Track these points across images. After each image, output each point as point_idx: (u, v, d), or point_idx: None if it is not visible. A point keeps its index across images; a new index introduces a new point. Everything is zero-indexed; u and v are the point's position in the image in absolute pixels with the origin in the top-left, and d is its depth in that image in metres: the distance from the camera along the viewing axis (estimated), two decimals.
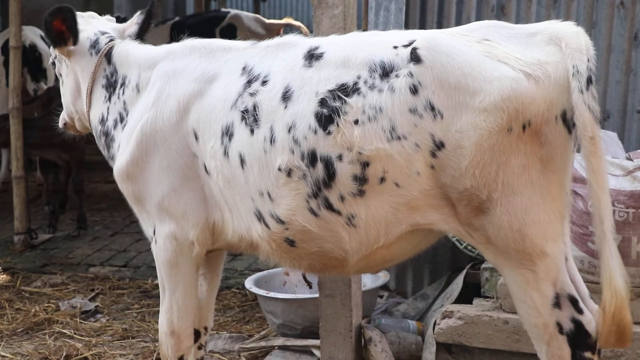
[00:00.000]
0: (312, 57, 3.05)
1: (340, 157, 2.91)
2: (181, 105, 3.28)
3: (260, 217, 3.12)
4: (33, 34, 8.67)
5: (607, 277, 2.72)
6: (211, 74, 3.27)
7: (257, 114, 3.06)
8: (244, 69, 3.19)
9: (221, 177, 3.17)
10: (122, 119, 3.54)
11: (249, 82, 3.13)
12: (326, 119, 2.92)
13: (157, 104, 3.34)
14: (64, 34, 3.68)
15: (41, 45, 8.92)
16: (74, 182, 7.67)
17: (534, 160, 2.77)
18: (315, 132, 2.94)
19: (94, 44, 3.70)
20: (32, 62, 8.62)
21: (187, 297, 3.46)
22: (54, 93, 8.82)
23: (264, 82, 3.09)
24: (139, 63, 3.55)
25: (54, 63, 3.96)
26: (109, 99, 3.62)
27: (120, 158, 3.43)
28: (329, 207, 2.97)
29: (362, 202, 2.93)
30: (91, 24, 3.80)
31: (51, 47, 3.90)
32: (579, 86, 2.69)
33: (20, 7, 6.74)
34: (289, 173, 3.00)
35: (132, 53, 3.63)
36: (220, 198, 3.23)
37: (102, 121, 3.62)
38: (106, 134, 3.61)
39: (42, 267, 6.68)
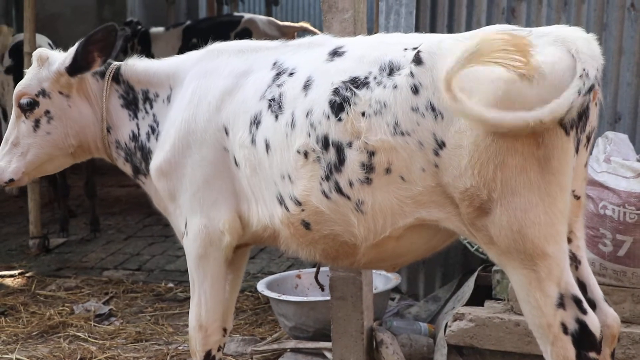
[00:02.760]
0: (336, 53, 3.24)
1: (350, 144, 3.06)
2: (213, 102, 3.43)
3: (281, 201, 3.27)
4: (40, 40, 8.76)
5: None
6: (242, 70, 3.44)
7: (281, 102, 3.25)
8: (274, 64, 3.37)
9: (249, 165, 3.33)
10: (154, 131, 3.66)
11: (278, 75, 3.32)
12: (338, 106, 3.09)
13: (190, 105, 3.48)
14: (92, 57, 3.66)
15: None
16: (86, 187, 7.73)
17: (531, 161, 2.80)
18: (328, 117, 3.11)
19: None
20: None
21: (215, 290, 3.55)
22: None
23: (291, 74, 3.29)
24: (167, 75, 3.66)
25: (31, 102, 3.67)
26: (135, 115, 3.71)
27: (157, 157, 3.56)
28: (339, 190, 3.11)
29: (370, 190, 3.05)
30: (62, 52, 3.81)
31: (41, 82, 3.69)
32: (580, 88, 2.71)
33: (35, 14, 6.80)
34: (306, 155, 3.16)
35: (152, 68, 3.72)
36: (248, 189, 3.38)
37: (135, 138, 3.71)
38: (142, 148, 3.70)
39: (56, 271, 6.74)
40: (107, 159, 3.90)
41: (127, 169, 3.81)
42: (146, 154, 3.68)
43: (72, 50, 3.69)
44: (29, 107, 3.69)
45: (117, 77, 3.74)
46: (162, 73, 3.69)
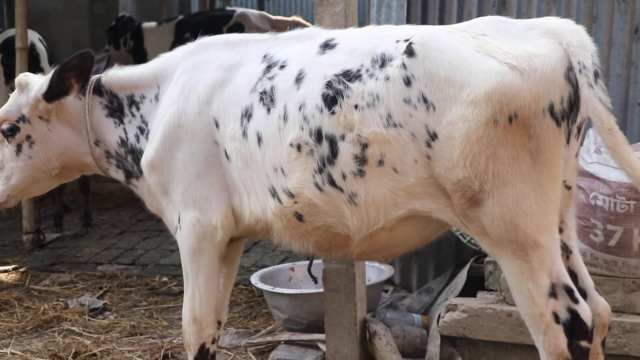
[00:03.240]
0: (327, 46, 3.24)
1: (343, 137, 3.07)
2: (203, 94, 3.44)
3: (274, 193, 3.28)
4: (32, 36, 8.77)
5: None
6: (232, 62, 3.44)
7: (273, 95, 3.25)
8: (264, 56, 3.38)
9: (240, 158, 3.33)
10: (143, 131, 3.68)
11: (269, 68, 3.32)
12: (331, 99, 3.10)
13: (180, 98, 3.48)
14: (69, 83, 3.69)
15: (39, 45, 9.00)
16: (80, 182, 7.73)
17: (523, 152, 2.83)
18: (322, 111, 3.12)
19: None
20: (31, 61, 8.71)
21: (209, 284, 3.56)
22: None
23: (282, 67, 3.29)
24: (154, 75, 3.67)
25: (11, 127, 3.72)
26: (121, 121, 3.73)
27: (148, 151, 3.57)
28: (332, 183, 3.13)
29: (362, 182, 3.07)
30: (41, 77, 3.84)
31: (20, 108, 3.73)
32: (588, 81, 2.78)
33: (26, 9, 6.80)
34: (299, 148, 3.17)
35: (136, 73, 3.74)
36: (239, 182, 3.39)
37: (123, 143, 3.73)
38: (132, 151, 3.71)
39: (50, 266, 6.74)
40: (99, 173, 3.92)
41: (120, 175, 3.82)
42: (137, 156, 3.69)
43: (48, 76, 3.71)
44: (10, 133, 3.75)
45: (98, 89, 3.76)
46: (148, 74, 3.70)
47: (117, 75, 3.78)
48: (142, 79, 3.71)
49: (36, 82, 3.76)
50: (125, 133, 3.72)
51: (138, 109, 3.70)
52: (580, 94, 2.81)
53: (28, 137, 3.76)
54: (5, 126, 3.75)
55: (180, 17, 10.07)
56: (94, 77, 3.78)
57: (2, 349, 4.96)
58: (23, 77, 3.82)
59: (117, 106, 3.74)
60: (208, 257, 3.53)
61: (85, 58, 3.69)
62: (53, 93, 3.70)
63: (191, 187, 3.46)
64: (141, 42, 9.60)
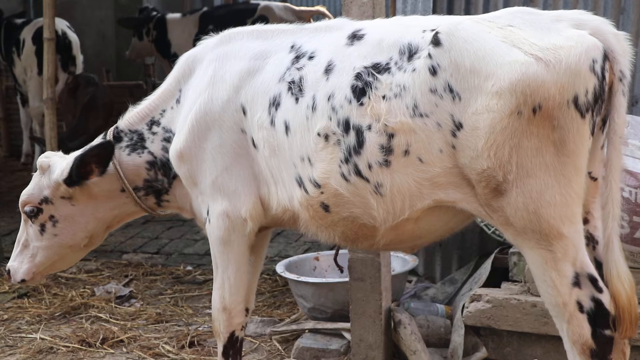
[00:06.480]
0: (355, 37, 3.27)
1: (369, 127, 3.10)
2: (231, 83, 3.47)
3: (300, 183, 3.30)
4: (61, 24, 8.88)
5: (615, 271, 2.89)
6: (260, 52, 3.48)
7: (302, 85, 3.28)
8: (292, 47, 3.41)
9: (267, 147, 3.36)
10: (168, 140, 3.71)
11: (297, 58, 3.35)
12: (360, 91, 3.12)
13: (209, 87, 3.52)
14: (89, 168, 3.74)
15: (70, 33, 9.12)
16: None
17: (547, 144, 2.85)
18: (350, 102, 3.14)
19: None
20: (63, 50, 8.80)
21: (238, 274, 3.61)
22: (81, 79, 8.98)
23: (311, 58, 3.32)
24: (177, 79, 3.71)
25: (34, 210, 3.80)
26: (143, 148, 3.77)
27: (176, 140, 3.61)
28: (358, 173, 3.14)
29: (388, 172, 3.09)
30: (63, 156, 3.91)
31: (42, 190, 3.81)
32: (623, 89, 2.86)
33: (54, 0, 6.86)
34: (326, 138, 3.19)
35: (155, 95, 3.79)
36: (267, 171, 3.41)
37: (152, 164, 3.78)
38: (163, 166, 3.76)
39: None
40: (128, 220, 4.03)
41: (150, 201, 3.86)
42: (169, 167, 3.73)
43: (70, 161, 3.77)
44: (33, 214, 3.83)
45: (118, 137, 3.81)
46: (169, 86, 3.75)
47: (134, 111, 3.83)
48: (162, 97, 3.76)
49: (58, 164, 3.81)
50: (151, 154, 3.77)
51: (159, 124, 3.76)
52: (613, 100, 2.87)
53: (51, 217, 3.83)
54: (27, 209, 3.83)
55: (205, 9, 10.11)
56: (110, 130, 3.83)
57: (32, 334, 5.05)
58: (44, 158, 3.86)
59: (138, 138, 3.79)
60: (238, 248, 3.57)
61: (106, 147, 3.76)
62: (73, 180, 3.75)
63: (219, 180, 3.49)
64: (165, 33, 9.66)
